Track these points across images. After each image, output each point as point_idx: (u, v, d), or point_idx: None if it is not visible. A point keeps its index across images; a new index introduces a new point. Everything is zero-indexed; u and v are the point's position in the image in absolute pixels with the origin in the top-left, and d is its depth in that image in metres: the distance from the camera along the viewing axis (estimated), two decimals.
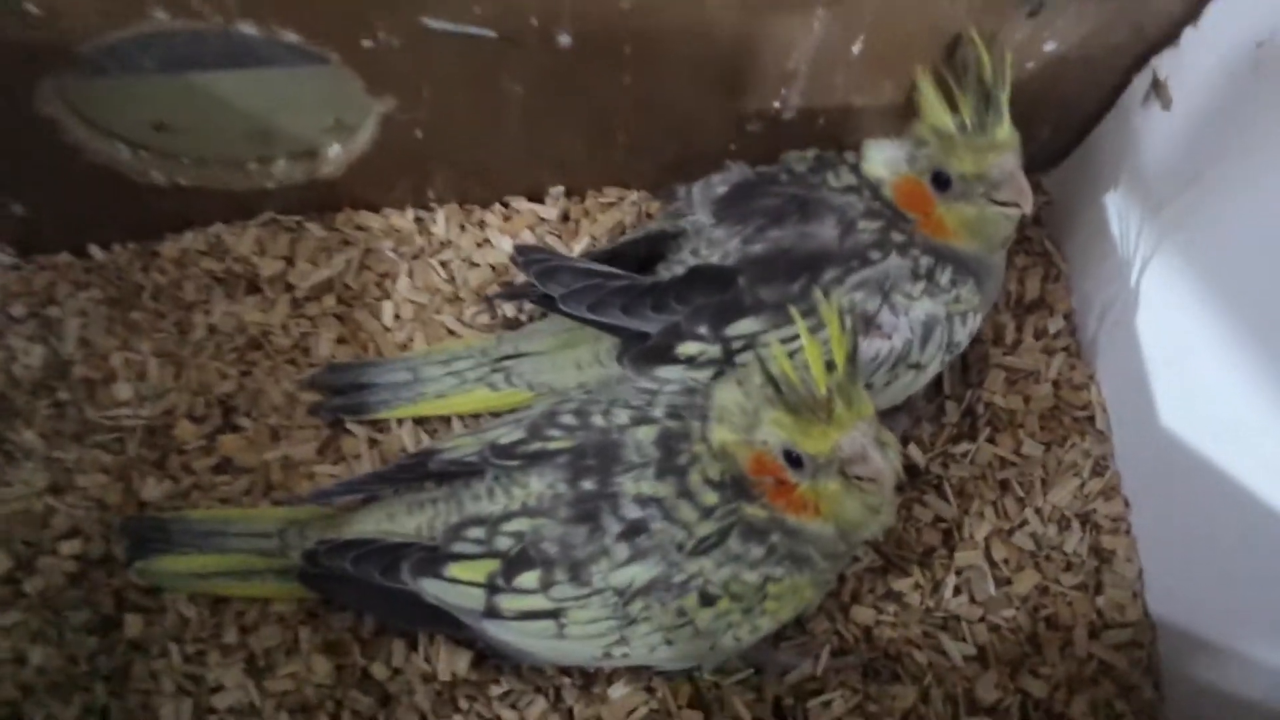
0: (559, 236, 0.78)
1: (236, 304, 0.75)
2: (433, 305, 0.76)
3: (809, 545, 0.58)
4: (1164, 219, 0.68)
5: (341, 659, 0.66)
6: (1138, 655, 0.68)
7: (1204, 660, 0.65)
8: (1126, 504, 0.72)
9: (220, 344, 0.74)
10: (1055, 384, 0.75)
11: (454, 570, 0.59)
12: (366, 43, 0.62)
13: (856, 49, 0.67)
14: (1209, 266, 0.65)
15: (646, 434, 0.58)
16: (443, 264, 0.77)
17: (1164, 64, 0.68)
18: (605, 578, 0.57)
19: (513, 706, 0.65)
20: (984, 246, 0.65)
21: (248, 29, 0.60)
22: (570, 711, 0.65)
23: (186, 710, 0.64)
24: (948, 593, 0.69)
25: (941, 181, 0.63)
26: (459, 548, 0.59)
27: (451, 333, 0.75)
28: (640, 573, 0.56)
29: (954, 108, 0.61)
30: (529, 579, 0.57)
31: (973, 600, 0.69)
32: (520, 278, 0.75)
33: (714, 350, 0.62)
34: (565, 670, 0.65)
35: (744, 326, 0.62)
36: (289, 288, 0.75)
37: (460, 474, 0.62)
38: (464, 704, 0.64)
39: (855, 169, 0.65)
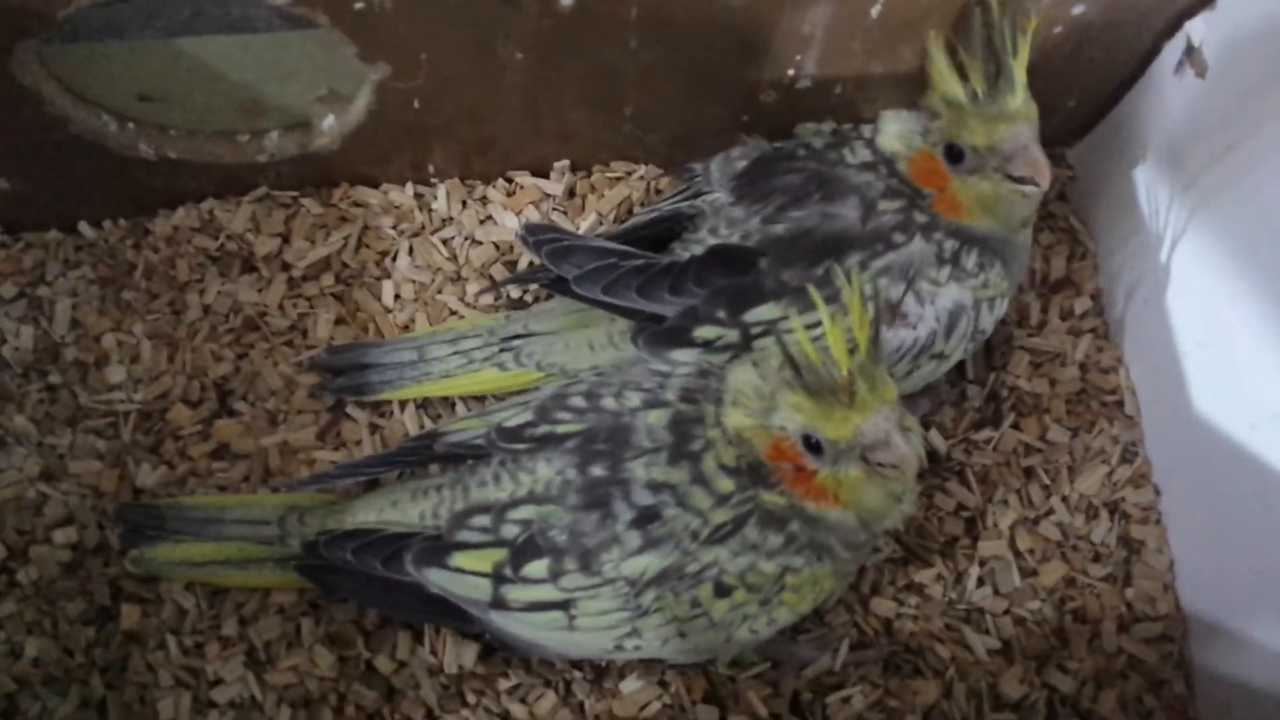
0: (564, 213, 0.76)
1: (231, 283, 0.74)
2: (434, 284, 0.74)
3: (830, 534, 0.56)
4: (1195, 193, 0.67)
5: (345, 651, 0.65)
6: (1168, 649, 0.67)
7: (1238, 655, 0.64)
8: (1157, 492, 0.71)
9: (215, 325, 0.73)
10: (1082, 367, 0.74)
11: (459, 560, 0.58)
12: (357, 4, 0.60)
13: (875, 11, 0.65)
14: (1243, 243, 0.64)
15: (658, 418, 0.57)
16: (444, 242, 0.76)
17: (1198, 28, 0.66)
18: (616, 567, 0.56)
19: (522, 701, 0.64)
20: (1002, 225, 0.63)
21: None
22: (581, 706, 0.64)
23: (185, 704, 0.63)
24: (971, 584, 0.68)
25: (954, 154, 0.60)
26: (464, 536, 0.58)
27: (454, 313, 0.74)
28: (653, 562, 0.55)
29: (965, 76, 0.59)
30: (537, 568, 0.56)
31: (997, 592, 0.68)
32: (524, 255, 0.73)
33: (732, 335, 0.61)
34: (576, 663, 0.65)
35: (764, 312, 0.61)
36: (285, 266, 0.74)
37: (466, 458, 0.61)
38: (471, 698, 0.64)
39: (870, 144, 0.64)
